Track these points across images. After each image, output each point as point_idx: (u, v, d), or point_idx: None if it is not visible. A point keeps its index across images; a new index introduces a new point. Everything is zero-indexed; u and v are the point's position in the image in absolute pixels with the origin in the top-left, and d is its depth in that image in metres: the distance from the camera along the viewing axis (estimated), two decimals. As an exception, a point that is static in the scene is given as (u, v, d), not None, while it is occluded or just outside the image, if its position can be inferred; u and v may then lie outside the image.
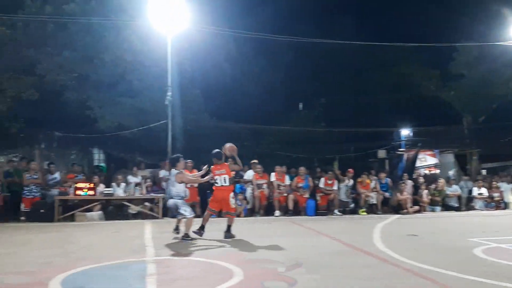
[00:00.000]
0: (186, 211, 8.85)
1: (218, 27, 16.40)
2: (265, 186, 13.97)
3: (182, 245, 8.34)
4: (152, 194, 13.31)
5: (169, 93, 13.84)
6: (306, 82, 23.85)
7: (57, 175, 13.55)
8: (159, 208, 12.84)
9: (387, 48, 19.62)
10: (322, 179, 14.41)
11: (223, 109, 20.94)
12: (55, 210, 12.33)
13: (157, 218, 12.66)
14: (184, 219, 8.88)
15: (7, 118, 14.17)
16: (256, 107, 22.37)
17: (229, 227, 9.14)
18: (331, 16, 25.95)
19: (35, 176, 12.85)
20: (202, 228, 9.10)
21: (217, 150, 9.34)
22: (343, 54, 23.69)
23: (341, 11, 26.03)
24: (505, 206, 15.76)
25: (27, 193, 12.65)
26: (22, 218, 12.44)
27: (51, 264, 6.67)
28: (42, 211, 12.30)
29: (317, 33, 19.99)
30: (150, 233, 9.89)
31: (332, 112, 22.91)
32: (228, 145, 9.36)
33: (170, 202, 9.08)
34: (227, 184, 9.03)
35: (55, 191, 13.00)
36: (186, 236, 8.75)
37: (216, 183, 9.08)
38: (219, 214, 9.77)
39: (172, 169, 9.12)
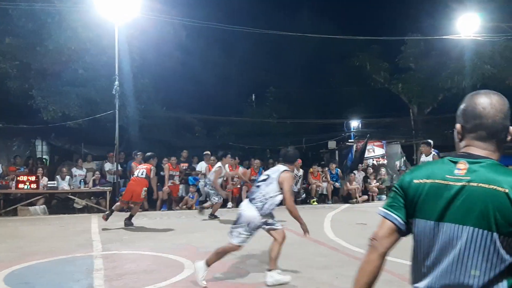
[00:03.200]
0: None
1: (168, 16, 16.00)
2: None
3: (131, 239, 8.12)
4: (98, 187, 12.85)
5: (117, 83, 13.38)
6: (260, 73, 23.80)
7: (-2, 168, 12.87)
8: (106, 202, 12.41)
9: (341, 40, 19.84)
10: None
11: (175, 99, 20.52)
12: (-4, 204, 11.70)
13: (104, 212, 12.25)
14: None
15: None
16: (209, 97, 22.10)
17: (131, 216, 9.64)
18: (287, 7, 25.97)
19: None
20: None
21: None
22: (298, 46, 23.78)
23: (299, 2, 26.10)
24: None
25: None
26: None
27: (-9, 261, 6.33)
28: (-19, 205, 11.64)
29: (273, 24, 19.93)
30: (97, 227, 9.57)
31: (285, 103, 22.98)
32: None
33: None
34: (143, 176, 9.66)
35: (-5, 185, 12.34)
36: None
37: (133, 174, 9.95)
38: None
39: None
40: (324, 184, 14.82)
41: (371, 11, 26.76)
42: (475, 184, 1.52)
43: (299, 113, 22.31)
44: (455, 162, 1.60)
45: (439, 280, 1.55)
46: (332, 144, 20.65)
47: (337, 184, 15.12)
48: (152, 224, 9.90)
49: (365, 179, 15.60)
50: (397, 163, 19.51)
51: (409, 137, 22.46)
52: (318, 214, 10.70)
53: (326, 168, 15.42)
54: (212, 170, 10.73)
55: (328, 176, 15.03)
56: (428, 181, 1.61)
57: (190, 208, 13.07)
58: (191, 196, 13.35)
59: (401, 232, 1.68)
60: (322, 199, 14.71)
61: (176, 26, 16.71)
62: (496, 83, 20.32)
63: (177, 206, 13.22)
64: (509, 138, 1.64)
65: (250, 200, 5.09)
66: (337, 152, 20.29)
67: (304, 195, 14.80)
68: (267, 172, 5.31)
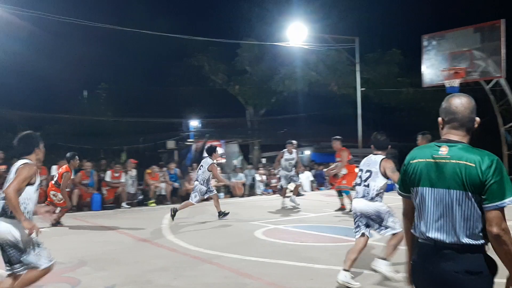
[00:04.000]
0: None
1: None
2: (44, 182, 12.50)
3: None
4: None
5: None
6: (94, 68, 22.42)
7: None
8: None
9: (179, 39, 19.74)
10: (109, 172, 13.64)
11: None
12: None
13: None
14: None
15: None
16: (35, 92, 20.08)
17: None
18: (124, 1, 24.85)
19: None
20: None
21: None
22: (135, 42, 22.97)
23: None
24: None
25: None
26: None
27: None
28: None
29: (108, 17, 18.85)
30: None
31: (121, 101, 22.04)
32: None
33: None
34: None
35: None
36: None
37: None
38: None
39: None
40: (163, 185, 14.56)
41: (209, 13, 27.29)
42: (453, 160, 2.27)
43: (137, 112, 21.62)
44: (439, 146, 2.35)
45: (439, 230, 2.28)
46: (171, 144, 20.51)
47: (176, 184, 14.98)
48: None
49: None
50: (235, 161, 20.24)
51: (245, 137, 23.48)
52: (156, 216, 10.46)
53: (165, 168, 15.18)
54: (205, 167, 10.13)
55: (167, 177, 14.82)
56: (421, 160, 2.39)
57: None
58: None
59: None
60: (161, 200, 14.41)
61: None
62: (320, 88, 22.44)
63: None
64: (476, 125, 2.39)
65: (365, 198, 5.11)
66: (176, 151, 20.22)
67: (141, 197, 14.35)
68: (366, 167, 5.22)
